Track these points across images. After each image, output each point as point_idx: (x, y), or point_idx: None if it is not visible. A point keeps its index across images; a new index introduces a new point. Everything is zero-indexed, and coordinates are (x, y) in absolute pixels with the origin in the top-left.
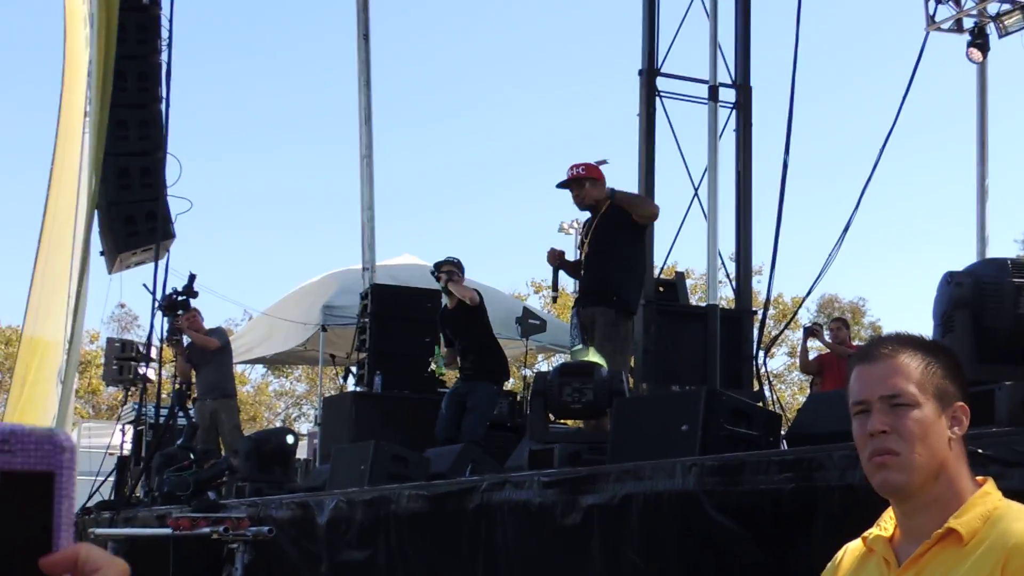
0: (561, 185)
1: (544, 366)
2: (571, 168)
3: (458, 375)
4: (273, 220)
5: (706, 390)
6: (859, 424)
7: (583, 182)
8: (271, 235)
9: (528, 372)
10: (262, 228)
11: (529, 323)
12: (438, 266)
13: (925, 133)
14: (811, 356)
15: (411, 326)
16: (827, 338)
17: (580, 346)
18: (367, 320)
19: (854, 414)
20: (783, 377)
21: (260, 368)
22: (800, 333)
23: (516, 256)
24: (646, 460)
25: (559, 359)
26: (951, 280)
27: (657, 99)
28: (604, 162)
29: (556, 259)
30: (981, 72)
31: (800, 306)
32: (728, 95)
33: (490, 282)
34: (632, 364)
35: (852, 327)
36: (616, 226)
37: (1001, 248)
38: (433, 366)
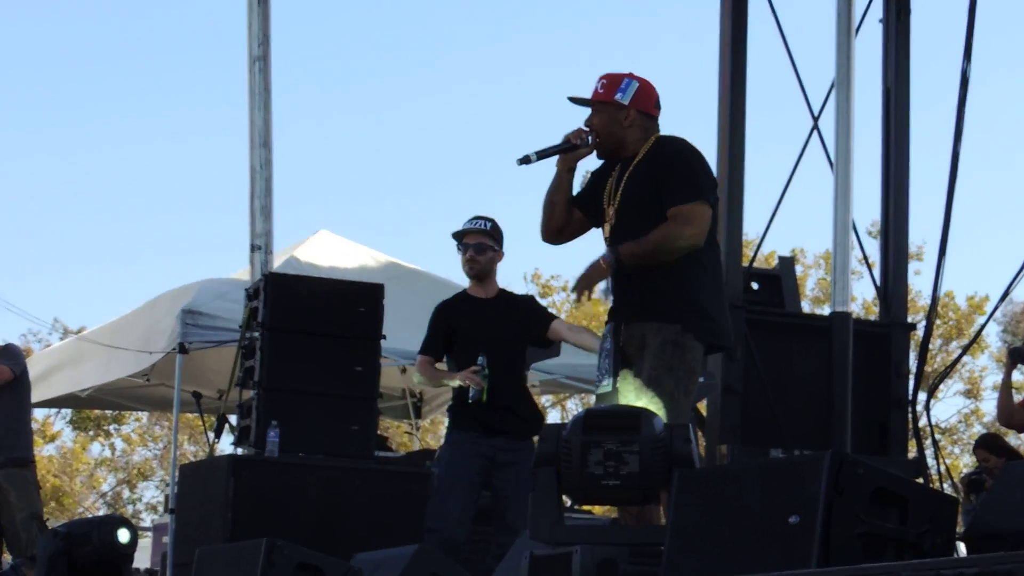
0: (578, 101)
1: (556, 414)
2: (600, 80)
3: (473, 419)
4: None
5: (830, 457)
6: None
7: (602, 107)
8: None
9: None
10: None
11: None
12: (462, 235)
13: None
14: (1017, 399)
15: (331, 345)
16: None
17: (607, 381)
18: (257, 335)
19: None
20: (958, 434)
21: (70, 414)
22: (990, 358)
23: (511, 240)
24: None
25: (579, 403)
26: None
27: None
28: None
29: (576, 138)
30: None
31: (991, 316)
32: None
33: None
34: (704, 414)
35: None
36: (658, 181)
37: None
38: (476, 391)
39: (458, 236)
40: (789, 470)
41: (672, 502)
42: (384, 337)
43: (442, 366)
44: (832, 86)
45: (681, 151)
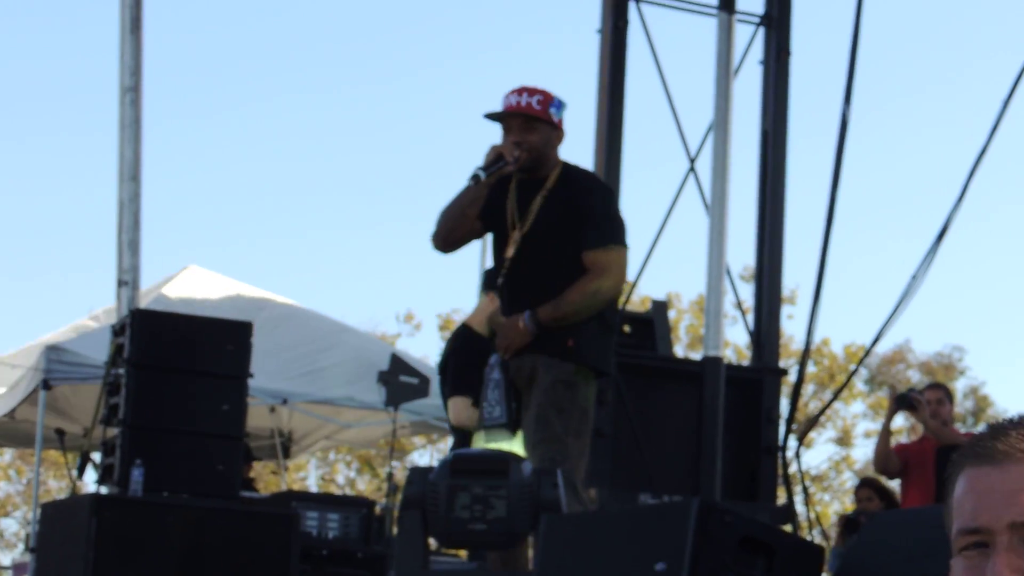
0: (494, 116)
1: (426, 457)
2: (516, 94)
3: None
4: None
5: (699, 504)
6: (969, 567)
7: (540, 124)
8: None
9: (398, 466)
10: None
11: (401, 382)
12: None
13: None
14: (893, 444)
15: (198, 382)
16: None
17: (499, 412)
18: (122, 372)
19: (959, 548)
20: (828, 481)
21: None
22: (862, 405)
23: (377, 278)
24: None
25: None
26: None
27: (632, 5)
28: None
29: (508, 155)
30: None
31: (861, 362)
32: (753, 1)
33: (336, 314)
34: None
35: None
36: (573, 213)
37: None
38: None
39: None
40: (657, 516)
41: (539, 547)
42: (252, 376)
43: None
44: (710, 128)
45: (599, 187)
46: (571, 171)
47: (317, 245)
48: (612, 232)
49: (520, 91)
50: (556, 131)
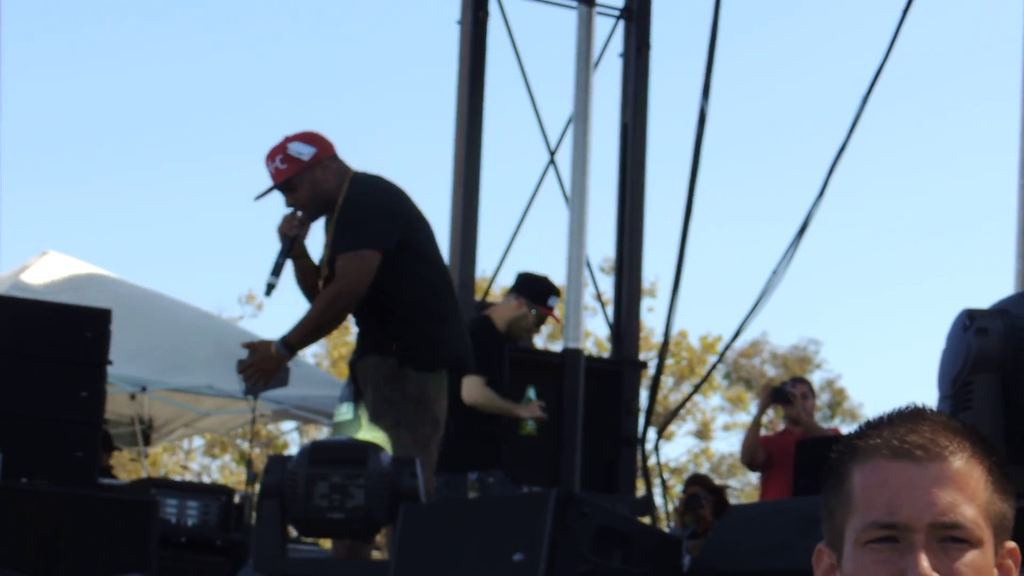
0: (262, 196)
1: (293, 447)
2: (266, 163)
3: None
4: None
5: (557, 494)
6: (879, 560)
7: (297, 179)
8: None
9: (259, 452)
10: None
11: None
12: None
13: (928, 86)
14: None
15: (57, 369)
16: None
17: (347, 412)
18: None
19: (865, 540)
20: (687, 473)
21: None
22: (721, 399)
23: (220, 258)
24: None
25: (315, 435)
26: (971, 323)
27: None
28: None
29: (291, 230)
30: None
31: (722, 355)
32: None
33: (184, 296)
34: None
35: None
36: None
37: None
38: (527, 423)
39: (544, 308)
40: (515, 507)
41: (397, 536)
42: (111, 363)
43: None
44: (570, 120)
45: (351, 195)
46: (352, 183)
47: (175, 231)
48: (352, 236)
49: (267, 159)
50: (315, 167)
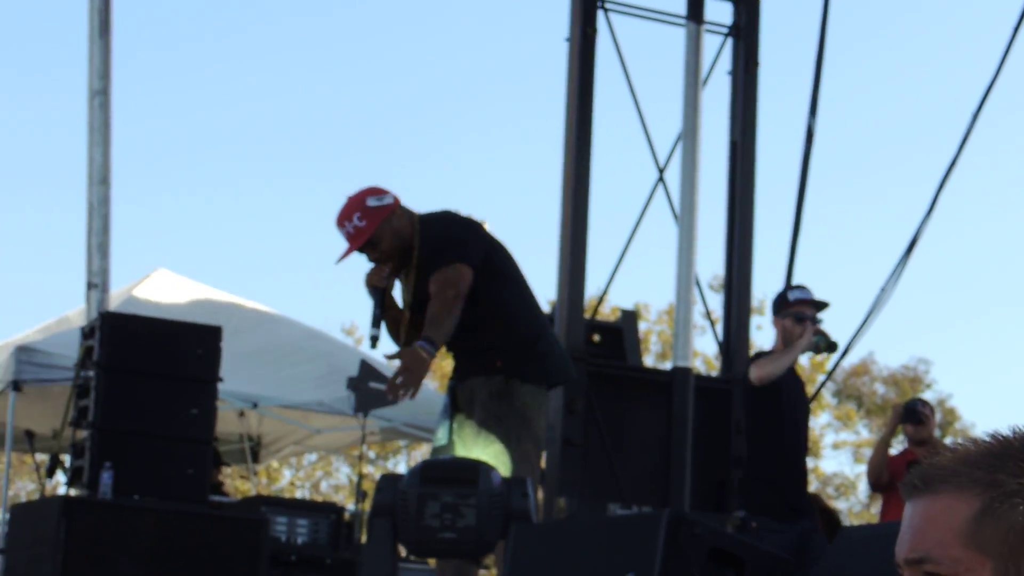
0: (343, 258)
1: (402, 464)
2: (339, 226)
3: None
4: None
5: (669, 515)
6: None
7: (379, 232)
8: None
9: (372, 471)
10: None
11: (370, 388)
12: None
13: None
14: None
15: (167, 386)
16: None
17: (443, 437)
18: (92, 375)
19: None
20: None
21: None
22: (830, 416)
23: (327, 286)
24: None
25: (422, 453)
26: None
27: (600, 13)
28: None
29: (381, 281)
30: None
31: (831, 374)
32: (721, 11)
33: (307, 321)
34: (543, 466)
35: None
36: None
37: None
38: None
39: (792, 305)
40: (627, 527)
41: (508, 556)
42: (221, 380)
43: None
44: (679, 138)
45: (434, 223)
46: (424, 224)
47: (285, 250)
48: (442, 256)
49: (340, 221)
50: (392, 216)
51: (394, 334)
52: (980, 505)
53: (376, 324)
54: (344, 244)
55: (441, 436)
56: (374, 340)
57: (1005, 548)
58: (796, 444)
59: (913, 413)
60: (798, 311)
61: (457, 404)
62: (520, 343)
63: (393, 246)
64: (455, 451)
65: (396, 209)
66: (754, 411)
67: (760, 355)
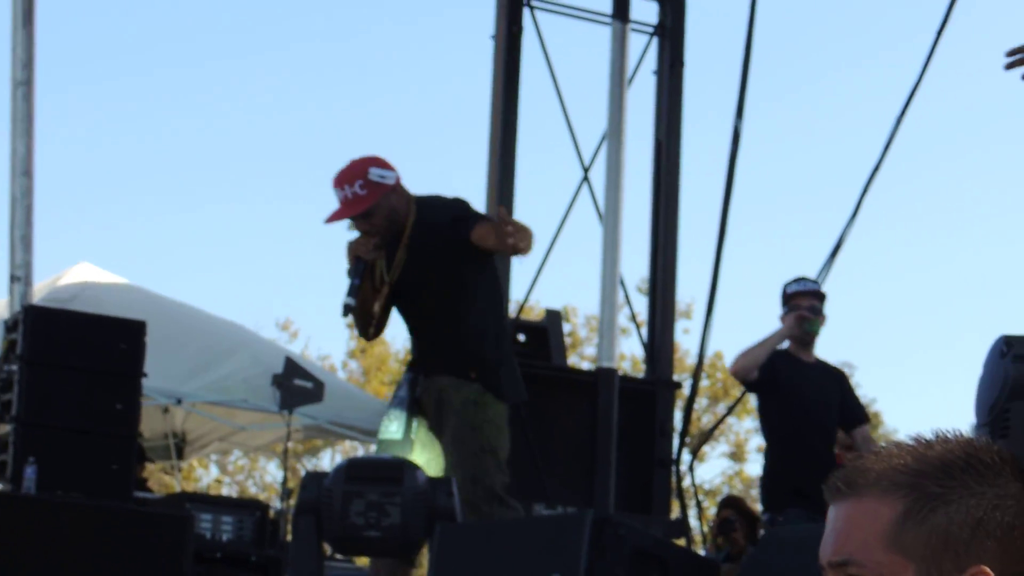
0: (333, 220)
1: (326, 461)
2: (338, 187)
3: None
4: None
5: (592, 516)
6: None
7: (375, 205)
8: None
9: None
10: None
11: (295, 386)
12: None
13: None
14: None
15: (91, 380)
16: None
17: (397, 431)
18: (15, 368)
19: None
20: (721, 495)
21: None
22: (755, 421)
23: (259, 281)
24: None
25: (346, 452)
26: (1008, 350)
27: (526, 11)
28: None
29: (368, 254)
30: None
31: None
32: (647, 10)
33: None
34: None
35: None
36: (444, 247)
37: None
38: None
39: (790, 299)
40: (551, 527)
41: (433, 555)
42: (146, 375)
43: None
44: (604, 137)
45: (438, 205)
46: (422, 205)
47: (205, 245)
48: (469, 219)
49: (340, 183)
50: (392, 193)
51: (361, 308)
52: (903, 508)
53: (352, 294)
54: (336, 204)
55: (395, 430)
56: (347, 309)
57: (928, 551)
58: (820, 441)
59: None
60: (795, 303)
61: (417, 400)
62: (495, 357)
63: (385, 222)
64: (411, 451)
65: (397, 187)
66: (771, 409)
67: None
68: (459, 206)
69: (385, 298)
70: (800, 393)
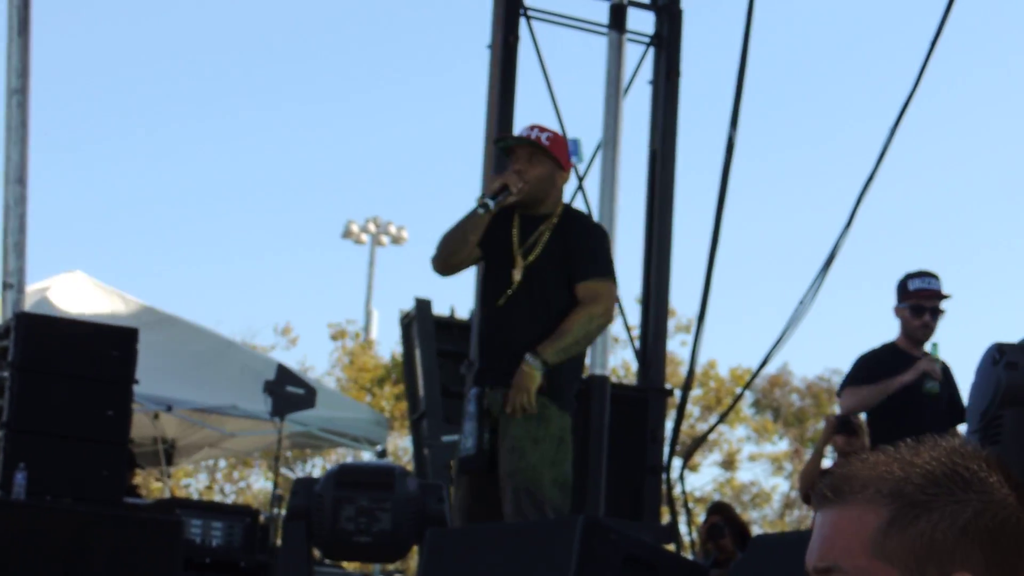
0: (500, 143)
1: (317, 469)
2: (529, 128)
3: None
4: None
5: (583, 521)
6: None
7: (544, 160)
8: None
9: (289, 474)
10: None
11: (287, 392)
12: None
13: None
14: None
15: (83, 387)
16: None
17: (471, 444)
18: (6, 375)
19: None
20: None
21: None
22: (747, 429)
23: (252, 290)
24: None
25: (338, 458)
26: (1000, 357)
27: (523, 21)
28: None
29: (514, 185)
30: None
31: (748, 384)
32: (643, 21)
33: (213, 322)
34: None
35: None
36: (572, 250)
37: None
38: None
39: (911, 296)
40: (542, 533)
41: (423, 560)
42: (137, 382)
43: None
44: (599, 146)
45: (596, 227)
46: (573, 212)
47: (201, 254)
48: (605, 266)
49: (533, 126)
50: (561, 171)
51: (460, 236)
52: (888, 516)
53: (493, 199)
54: (520, 135)
55: (470, 446)
56: (483, 205)
57: (911, 559)
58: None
59: (847, 424)
60: (916, 302)
61: (487, 411)
62: (567, 370)
63: (535, 182)
64: (487, 465)
65: (565, 175)
66: (881, 432)
67: (856, 372)
68: (598, 238)
69: (517, 270)
70: (924, 414)
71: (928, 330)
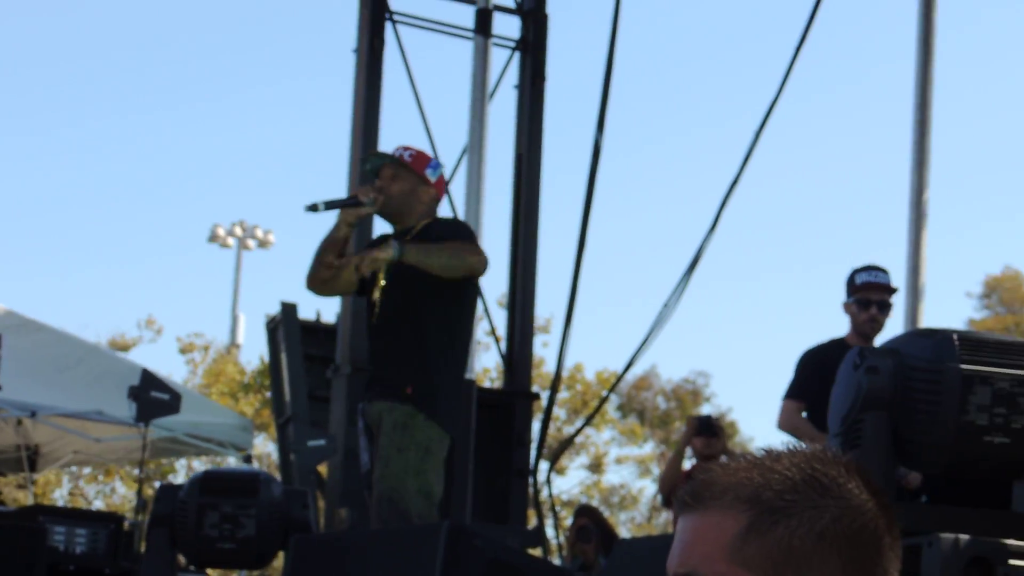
0: (376, 156)
1: (180, 476)
2: (398, 148)
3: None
4: None
5: (447, 527)
6: None
7: (406, 174)
8: None
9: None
10: None
11: (152, 398)
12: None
13: (823, 116)
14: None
15: None
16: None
17: (364, 459)
18: None
19: None
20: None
21: None
22: (613, 431)
23: (118, 294)
24: None
25: (204, 465)
26: (861, 362)
27: (388, 25)
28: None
29: (367, 196)
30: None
31: (613, 387)
32: (509, 25)
33: (76, 322)
34: (325, 477)
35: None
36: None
37: (944, 311)
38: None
39: (858, 289)
40: (407, 538)
41: (287, 567)
42: (0, 388)
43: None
44: (464, 150)
45: (459, 222)
46: (436, 219)
47: (65, 259)
48: (468, 236)
49: (402, 147)
50: (425, 187)
51: (323, 254)
52: (746, 522)
53: (328, 206)
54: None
55: (366, 460)
56: (314, 207)
57: (769, 565)
58: None
59: (708, 426)
60: (863, 296)
61: (368, 427)
62: (439, 381)
63: (399, 195)
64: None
65: (433, 193)
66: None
67: (800, 373)
68: (452, 227)
69: (372, 282)
70: None
71: (876, 324)
